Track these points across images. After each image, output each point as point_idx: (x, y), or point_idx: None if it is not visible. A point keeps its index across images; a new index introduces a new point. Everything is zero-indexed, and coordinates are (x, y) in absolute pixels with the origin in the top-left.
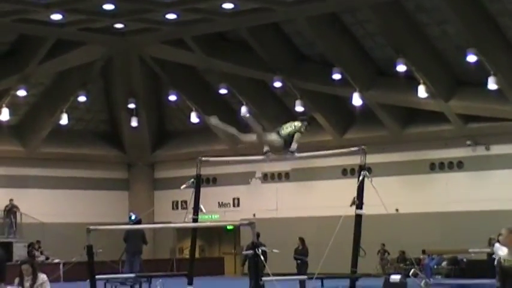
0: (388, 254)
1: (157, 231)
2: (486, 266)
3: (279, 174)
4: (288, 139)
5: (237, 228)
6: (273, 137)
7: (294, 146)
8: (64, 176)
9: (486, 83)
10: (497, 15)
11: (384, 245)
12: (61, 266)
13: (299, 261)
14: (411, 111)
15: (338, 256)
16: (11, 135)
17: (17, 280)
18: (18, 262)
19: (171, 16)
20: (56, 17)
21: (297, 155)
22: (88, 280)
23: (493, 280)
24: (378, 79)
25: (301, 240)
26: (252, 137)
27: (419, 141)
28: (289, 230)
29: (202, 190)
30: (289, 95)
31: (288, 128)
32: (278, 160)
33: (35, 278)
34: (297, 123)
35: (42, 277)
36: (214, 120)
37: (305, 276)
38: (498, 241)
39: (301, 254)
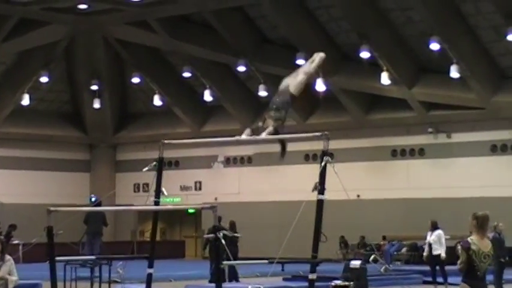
0: (348, 246)
1: (119, 213)
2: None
3: (242, 158)
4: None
5: (198, 212)
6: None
7: (268, 129)
8: (25, 157)
9: (449, 71)
10: (461, 3)
11: (343, 237)
12: (20, 247)
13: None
14: (374, 98)
15: (299, 241)
16: None
17: None
18: None
19: None
20: None
21: (263, 136)
22: (47, 261)
23: (450, 266)
24: (341, 64)
25: (232, 224)
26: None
27: (382, 127)
28: (251, 214)
29: (165, 173)
30: (252, 78)
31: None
32: (245, 144)
33: (3, 258)
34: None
35: (9, 258)
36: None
37: (266, 261)
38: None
39: (232, 239)
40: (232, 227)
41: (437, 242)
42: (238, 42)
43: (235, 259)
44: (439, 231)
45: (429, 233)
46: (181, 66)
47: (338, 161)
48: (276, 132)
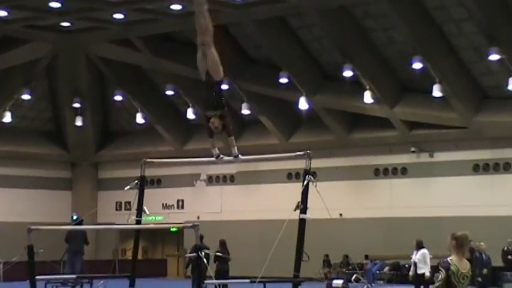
0: (330, 265)
1: (100, 232)
2: None
3: (224, 177)
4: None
5: (180, 230)
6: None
7: (235, 150)
8: (6, 175)
9: (431, 90)
10: (443, 23)
11: (327, 255)
12: (1, 265)
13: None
14: (357, 117)
15: (281, 260)
16: None
17: None
18: None
19: (118, 16)
20: (1, 13)
21: (241, 157)
22: (28, 280)
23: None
24: (324, 84)
25: (222, 242)
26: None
27: (364, 146)
28: (233, 233)
29: (147, 191)
30: (235, 97)
31: None
32: (227, 163)
33: None
34: None
35: None
36: None
37: (248, 280)
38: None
39: (222, 258)
40: (223, 245)
41: (422, 261)
42: (221, 61)
43: (226, 277)
44: (423, 251)
45: (414, 252)
46: (164, 84)
47: (320, 180)
48: (223, 124)
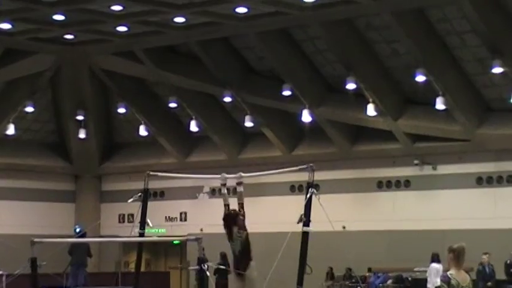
0: (334, 277)
1: (103, 244)
2: None
3: (227, 189)
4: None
5: (183, 243)
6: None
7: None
8: (9, 187)
9: (434, 103)
10: (446, 36)
11: (331, 268)
12: (4, 278)
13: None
14: (360, 129)
15: (284, 273)
16: None
17: None
18: None
19: (121, 28)
20: (5, 26)
21: (244, 174)
22: None
23: None
24: (327, 96)
25: (223, 255)
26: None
27: (368, 159)
28: None
29: (150, 204)
30: (238, 109)
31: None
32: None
33: None
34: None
35: None
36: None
37: None
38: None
39: (223, 270)
40: (224, 258)
41: (430, 275)
42: (224, 73)
43: None
44: (432, 265)
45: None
46: (167, 97)
47: (323, 192)
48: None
